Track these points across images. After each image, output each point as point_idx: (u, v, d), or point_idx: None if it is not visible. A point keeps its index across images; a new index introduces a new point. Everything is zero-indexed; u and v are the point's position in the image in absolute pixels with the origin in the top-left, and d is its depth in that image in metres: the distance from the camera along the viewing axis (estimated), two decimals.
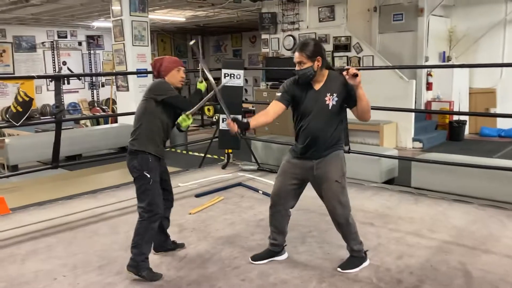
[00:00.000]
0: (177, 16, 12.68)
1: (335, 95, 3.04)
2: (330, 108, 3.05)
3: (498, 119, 9.69)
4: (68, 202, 5.03)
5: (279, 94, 3.13)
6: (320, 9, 9.72)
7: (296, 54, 3.02)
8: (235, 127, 3.00)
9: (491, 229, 3.95)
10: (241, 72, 6.02)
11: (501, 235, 3.82)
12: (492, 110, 9.71)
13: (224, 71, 6.09)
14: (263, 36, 10.84)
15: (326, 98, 3.04)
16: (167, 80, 3.26)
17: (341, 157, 3.17)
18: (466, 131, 9.61)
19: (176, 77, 3.28)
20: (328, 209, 3.18)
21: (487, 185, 4.75)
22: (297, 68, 3.04)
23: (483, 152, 7.76)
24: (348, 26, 9.45)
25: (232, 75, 6.01)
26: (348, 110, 3.21)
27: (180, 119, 3.23)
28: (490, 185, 4.74)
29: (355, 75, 2.85)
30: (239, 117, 3.17)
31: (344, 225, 3.18)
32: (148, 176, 3.13)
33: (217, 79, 4.31)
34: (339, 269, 3.21)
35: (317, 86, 3.07)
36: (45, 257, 3.57)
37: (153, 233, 3.19)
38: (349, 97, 3.04)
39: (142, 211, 3.15)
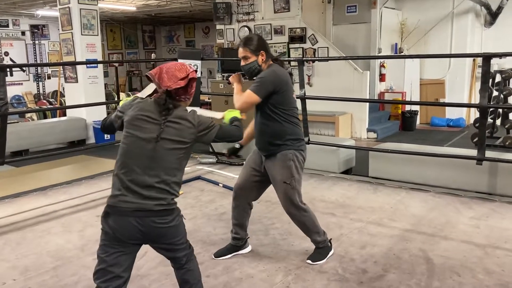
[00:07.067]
0: (127, 5, 12.24)
1: None
2: None
3: (447, 109, 10.05)
4: (16, 200, 4.74)
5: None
6: (275, 0, 9.65)
7: (240, 49, 2.98)
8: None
9: (448, 216, 4.05)
10: (199, 62, 5.88)
11: (457, 221, 3.92)
12: (441, 100, 10.05)
13: (180, 61, 5.90)
14: (218, 27, 10.65)
15: None
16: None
17: (290, 158, 2.97)
18: (418, 121, 9.91)
19: None
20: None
21: (441, 173, 4.88)
22: (242, 63, 2.99)
23: (435, 141, 8.02)
24: (303, 18, 9.45)
25: (189, 65, 5.83)
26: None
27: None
28: (444, 173, 4.87)
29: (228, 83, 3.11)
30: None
31: (298, 224, 3.16)
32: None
33: None
34: (309, 261, 3.16)
35: None
36: None
37: None
38: None
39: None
